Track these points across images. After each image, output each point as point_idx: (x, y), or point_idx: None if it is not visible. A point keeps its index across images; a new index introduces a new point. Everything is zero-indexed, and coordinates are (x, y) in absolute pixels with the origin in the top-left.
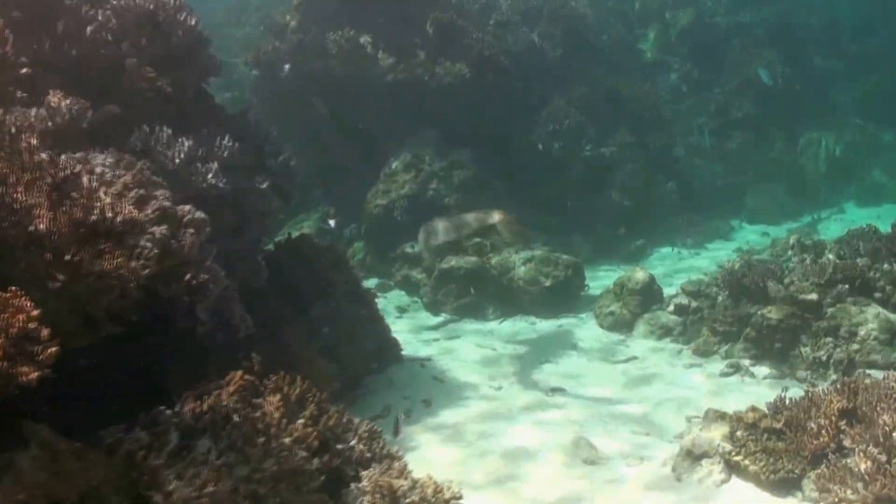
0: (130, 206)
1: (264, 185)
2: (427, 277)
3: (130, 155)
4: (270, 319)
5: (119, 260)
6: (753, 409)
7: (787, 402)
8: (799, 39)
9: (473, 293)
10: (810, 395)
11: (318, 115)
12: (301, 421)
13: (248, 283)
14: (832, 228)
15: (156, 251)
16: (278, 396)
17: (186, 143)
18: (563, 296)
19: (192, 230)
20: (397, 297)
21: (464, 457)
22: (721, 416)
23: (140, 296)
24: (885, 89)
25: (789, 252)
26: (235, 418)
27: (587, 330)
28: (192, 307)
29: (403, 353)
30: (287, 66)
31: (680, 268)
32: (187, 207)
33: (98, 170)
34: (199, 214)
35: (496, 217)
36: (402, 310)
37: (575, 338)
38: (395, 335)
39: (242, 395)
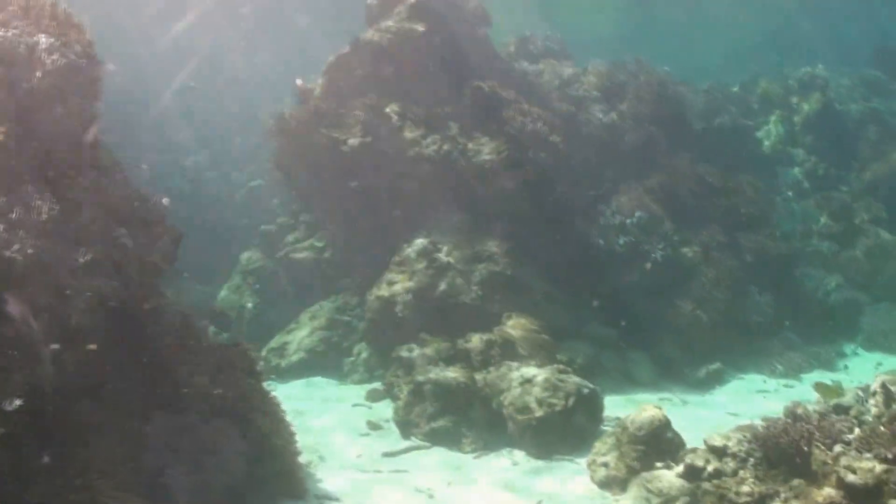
0: None
1: (84, 259)
2: (407, 390)
3: None
4: (57, 438)
5: None
6: None
7: None
8: None
9: (451, 417)
10: None
11: (340, 190)
12: None
13: (34, 385)
14: None
15: None
16: None
17: None
18: (564, 430)
19: None
20: (384, 408)
21: None
22: None
23: None
24: None
25: (870, 400)
26: None
27: (572, 484)
28: None
29: (323, 485)
30: (305, 136)
31: (753, 406)
32: None
33: None
34: None
35: (513, 324)
36: (374, 426)
37: (548, 494)
38: (342, 459)
39: None
